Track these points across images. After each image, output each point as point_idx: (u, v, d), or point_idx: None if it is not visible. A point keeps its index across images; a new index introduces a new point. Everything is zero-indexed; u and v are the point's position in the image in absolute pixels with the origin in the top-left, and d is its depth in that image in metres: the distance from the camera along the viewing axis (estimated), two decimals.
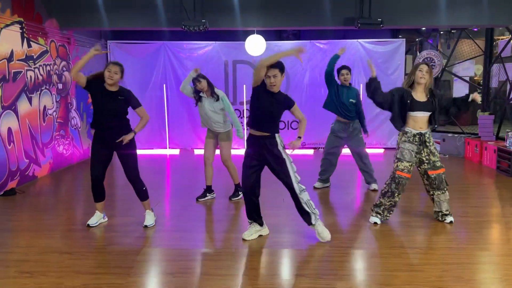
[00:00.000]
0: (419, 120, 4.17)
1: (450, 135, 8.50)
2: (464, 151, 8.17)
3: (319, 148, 9.26)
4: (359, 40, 9.01)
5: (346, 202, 5.26)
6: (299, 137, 3.74)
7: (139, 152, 4.84)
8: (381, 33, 9.30)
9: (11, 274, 3.24)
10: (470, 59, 8.79)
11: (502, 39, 8.06)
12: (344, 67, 5.53)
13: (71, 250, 3.72)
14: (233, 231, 4.23)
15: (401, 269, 3.33)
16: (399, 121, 4.25)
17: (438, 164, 4.23)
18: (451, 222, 4.34)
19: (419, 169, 4.34)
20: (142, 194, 4.31)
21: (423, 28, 9.57)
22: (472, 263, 3.42)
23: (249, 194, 3.84)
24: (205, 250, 3.79)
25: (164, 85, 9.11)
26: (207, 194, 5.33)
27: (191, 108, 9.15)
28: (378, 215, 4.38)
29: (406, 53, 9.30)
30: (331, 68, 5.38)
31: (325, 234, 3.85)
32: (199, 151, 8.99)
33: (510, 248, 3.76)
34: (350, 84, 5.56)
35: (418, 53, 9.24)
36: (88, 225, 4.29)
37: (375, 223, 4.35)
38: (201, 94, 5.15)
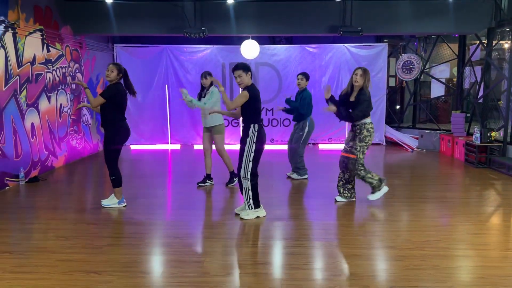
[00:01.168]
0: None
1: (427, 131, 9.33)
2: (439, 146, 8.99)
3: (309, 144, 10.04)
4: (346, 45, 9.81)
5: (329, 188, 6.05)
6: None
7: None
8: (366, 38, 10.09)
9: (50, 237, 4.03)
10: (446, 62, 9.62)
11: (476, 43, 8.86)
12: (300, 72, 6.34)
13: (95, 221, 4.51)
14: (229, 208, 5.01)
15: (362, 234, 4.14)
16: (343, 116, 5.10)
17: (347, 149, 5.00)
18: (336, 200, 5.18)
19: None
20: (111, 181, 4.94)
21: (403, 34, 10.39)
22: (421, 231, 4.22)
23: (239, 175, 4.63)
24: (202, 221, 4.58)
25: (166, 85, 9.89)
26: (207, 181, 6.11)
27: None
28: (339, 194, 5.25)
29: (389, 56, 10.13)
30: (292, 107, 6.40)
31: (244, 213, 4.53)
32: (198, 146, 9.78)
33: (455, 220, 4.57)
34: (305, 89, 6.28)
35: (400, 57, 10.03)
36: (103, 205, 5.03)
37: (336, 200, 5.22)
38: (202, 93, 5.94)
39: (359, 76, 4.84)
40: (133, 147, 9.82)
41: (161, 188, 6.03)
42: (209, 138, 6.02)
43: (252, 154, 4.44)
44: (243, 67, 4.45)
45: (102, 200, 5.07)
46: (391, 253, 3.67)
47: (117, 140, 4.88)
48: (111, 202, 5.03)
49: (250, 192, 4.50)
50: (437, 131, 9.26)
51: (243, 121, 4.58)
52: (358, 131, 4.95)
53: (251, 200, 4.54)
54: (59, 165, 7.42)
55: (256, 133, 4.47)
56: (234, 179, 6.03)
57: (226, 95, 4.60)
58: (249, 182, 4.48)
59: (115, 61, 9.78)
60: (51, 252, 3.68)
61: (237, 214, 4.70)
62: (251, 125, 4.48)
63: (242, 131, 4.60)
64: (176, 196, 5.77)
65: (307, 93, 6.33)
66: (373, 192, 5.09)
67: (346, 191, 5.22)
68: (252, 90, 4.46)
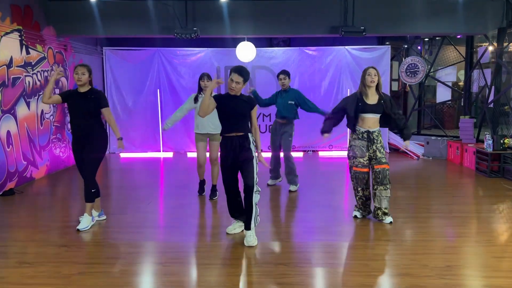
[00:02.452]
0: (368, 120, 4.46)
1: (433, 138, 8.83)
2: (447, 153, 8.49)
3: (309, 151, 9.55)
4: (346, 47, 9.34)
5: (331, 200, 5.53)
6: (260, 150, 4.00)
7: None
8: (368, 40, 9.65)
9: (12, 264, 3.50)
10: (452, 65, 9.14)
11: (483, 45, 8.40)
12: (281, 72, 5.97)
13: (68, 243, 3.98)
14: (220, 227, 4.49)
15: (373, 258, 3.61)
16: (353, 122, 4.55)
17: (383, 160, 4.45)
18: (390, 222, 4.49)
19: (370, 166, 4.58)
20: (88, 194, 4.34)
21: (407, 36, 9.93)
22: (438, 253, 3.70)
23: (232, 193, 4.10)
24: (192, 243, 4.06)
25: (158, 90, 9.39)
26: (204, 187, 5.72)
27: None
28: (358, 210, 4.72)
29: (392, 59, 9.66)
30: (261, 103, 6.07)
31: (251, 239, 3.88)
32: (192, 154, 9.26)
33: (476, 240, 4.05)
34: (289, 87, 5.95)
35: (403, 59, 9.56)
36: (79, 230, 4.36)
37: (355, 216, 4.69)
38: (199, 95, 5.45)
39: (373, 76, 4.41)
40: (123, 155, 9.29)
41: (147, 201, 5.50)
42: (206, 147, 5.59)
43: (257, 165, 3.98)
44: (246, 76, 3.93)
45: (77, 227, 4.36)
46: (407, 282, 3.14)
47: (106, 147, 4.49)
48: (87, 222, 4.40)
49: (257, 206, 4.00)
50: (444, 138, 8.76)
51: (238, 130, 3.96)
52: (375, 139, 4.48)
53: (258, 216, 4.02)
54: (40, 176, 6.88)
55: (254, 142, 4.01)
56: (217, 192, 5.60)
57: None
58: (259, 195, 3.99)
59: (104, 65, 9.30)
60: (9, 282, 3.15)
61: (228, 234, 4.19)
62: (249, 134, 3.98)
63: (236, 142, 3.94)
64: (165, 211, 5.25)
65: (297, 91, 5.99)
66: (387, 214, 4.54)
67: (367, 208, 4.70)
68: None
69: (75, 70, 4.32)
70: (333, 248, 3.87)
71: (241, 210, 4.18)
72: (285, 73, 5.97)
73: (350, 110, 4.52)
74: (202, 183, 5.72)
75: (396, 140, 9.46)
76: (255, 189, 3.90)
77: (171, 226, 4.56)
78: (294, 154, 9.22)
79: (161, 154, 9.42)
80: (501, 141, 6.86)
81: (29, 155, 6.54)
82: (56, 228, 4.46)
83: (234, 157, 3.96)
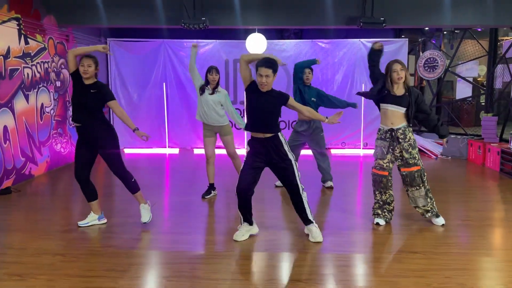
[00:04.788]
0: (389, 114, 4.12)
1: (453, 136, 8.38)
2: (467, 152, 8.06)
3: None
4: (361, 40, 8.90)
5: (345, 203, 5.15)
6: (326, 117, 3.89)
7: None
8: (383, 33, 9.20)
9: (0, 276, 3.16)
10: (474, 59, 8.66)
11: (506, 39, 7.93)
12: (308, 67, 5.68)
13: (64, 251, 3.63)
14: (229, 233, 4.12)
15: (402, 274, 3.23)
16: (373, 96, 4.24)
17: (411, 161, 4.10)
18: (443, 225, 4.26)
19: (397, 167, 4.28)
20: (131, 186, 4.24)
21: (426, 28, 9.46)
22: (475, 269, 3.32)
23: (245, 193, 3.76)
24: (200, 253, 3.70)
25: (164, 83, 9.03)
26: (212, 191, 5.38)
27: (191, 107, 9.07)
28: (377, 216, 4.33)
29: (409, 53, 9.20)
30: (301, 66, 5.58)
31: (317, 234, 3.85)
32: (199, 151, 8.91)
33: None
34: (310, 84, 5.66)
35: (421, 54, 9.11)
36: (78, 225, 4.22)
37: (377, 223, 4.30)
38: (206, 88, 5.15)
39: (399, 71, 4.04)
40: (127, 151, 8.95)
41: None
42: (214, 142, 5.25)
43: (297, 163, 3.83)
44: (274, 66, 3.74)
45: (142, 220, 4.29)
46: None
47: (117, 143, 4.18)
48: (147, 213, 4.34)
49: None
50: (464, 136, 8.32)
51: (265, 130, 3.69)
52: (401, 136, 4.10)
53: (311, 213, 3.93)
54: (40, 173, 6.55)
55: (286, 140, 3.84)
56: None
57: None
58: (305, 192, 3.87)
59: (108, 59, 8.93)
60: None
61: (236, 241, 3.85)
62: (279, 134, 3.75)
63: (265, 145, 3.69)
64: (170, 215, 4.89)
65: (318, 89, 5.74)
66: (437, 216, 4.29)
67: (386, 212, 4.34)
68: None
69: (81, 62, 3.98)
70: (356, 261, 3.49)
71: (251, 211, 3.92)
72: (311, 68, 5.69)
73: (375, 95, 4.23)
74: (211, 187, 5.36)
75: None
76: (301, 188, 3.78)
77: (177, 232, 4.20)
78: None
79: (167, 150, 9.07)
80: None
81: (27, 151, 6.21)
82: (54, 232, 4.12)
83: (267, 162, 3.75)
